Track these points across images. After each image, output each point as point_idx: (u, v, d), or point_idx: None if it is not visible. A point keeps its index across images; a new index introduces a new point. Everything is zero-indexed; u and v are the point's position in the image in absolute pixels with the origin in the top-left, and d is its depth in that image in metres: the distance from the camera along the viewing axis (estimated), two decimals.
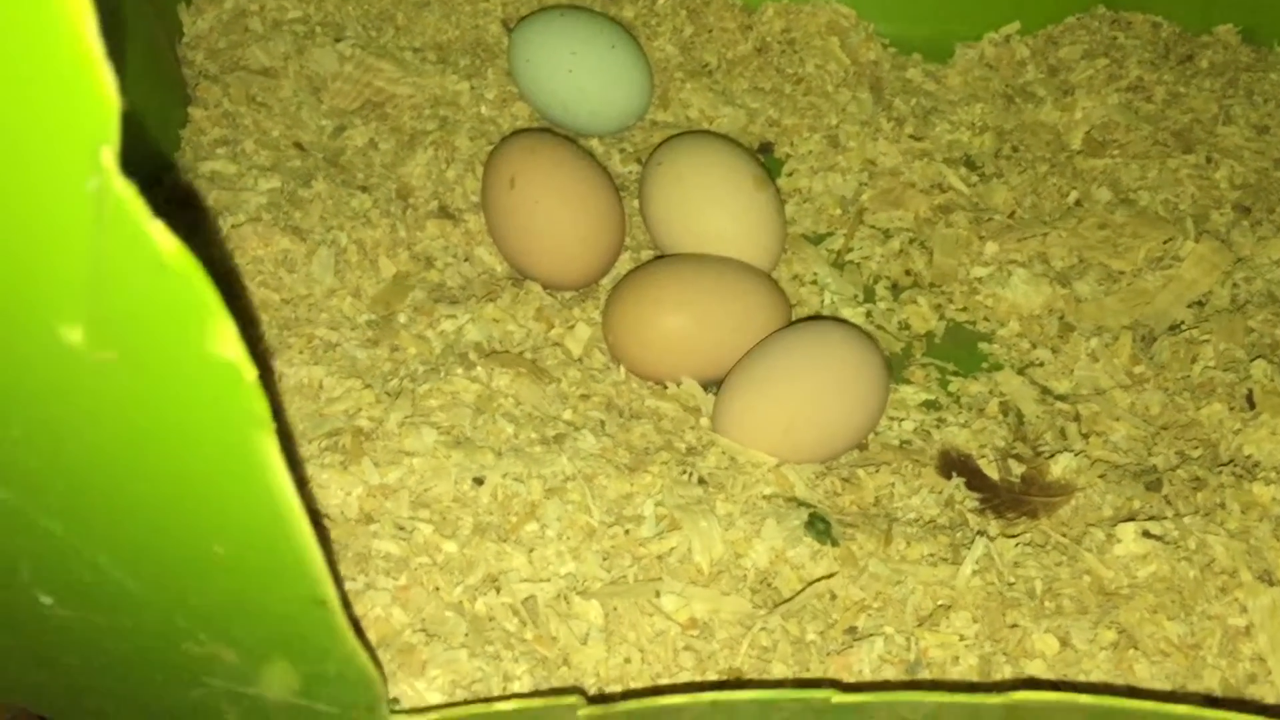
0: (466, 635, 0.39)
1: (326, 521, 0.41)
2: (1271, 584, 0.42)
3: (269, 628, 0.30)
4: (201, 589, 0.28)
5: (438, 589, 0.40)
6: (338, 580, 0.32)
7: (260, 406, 0.22)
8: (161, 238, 0.19)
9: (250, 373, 0.21)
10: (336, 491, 0.42)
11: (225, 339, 0.21)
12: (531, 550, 0.42)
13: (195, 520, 0.26)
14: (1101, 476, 0.48)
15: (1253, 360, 0.51)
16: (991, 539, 0.45)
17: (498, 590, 0.41)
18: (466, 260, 0.55)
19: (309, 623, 0.28)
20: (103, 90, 0.18)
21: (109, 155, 0.18)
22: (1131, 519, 0.45)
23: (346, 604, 0.29)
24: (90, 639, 0.33)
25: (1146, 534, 0.44)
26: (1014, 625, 0.42)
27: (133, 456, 0.24)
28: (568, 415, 0.48)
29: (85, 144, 0.18)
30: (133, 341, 0.21)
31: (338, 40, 0.62)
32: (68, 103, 0.18)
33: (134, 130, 0.51)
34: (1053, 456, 0.49)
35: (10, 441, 0.25)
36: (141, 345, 0.21)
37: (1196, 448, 0.49)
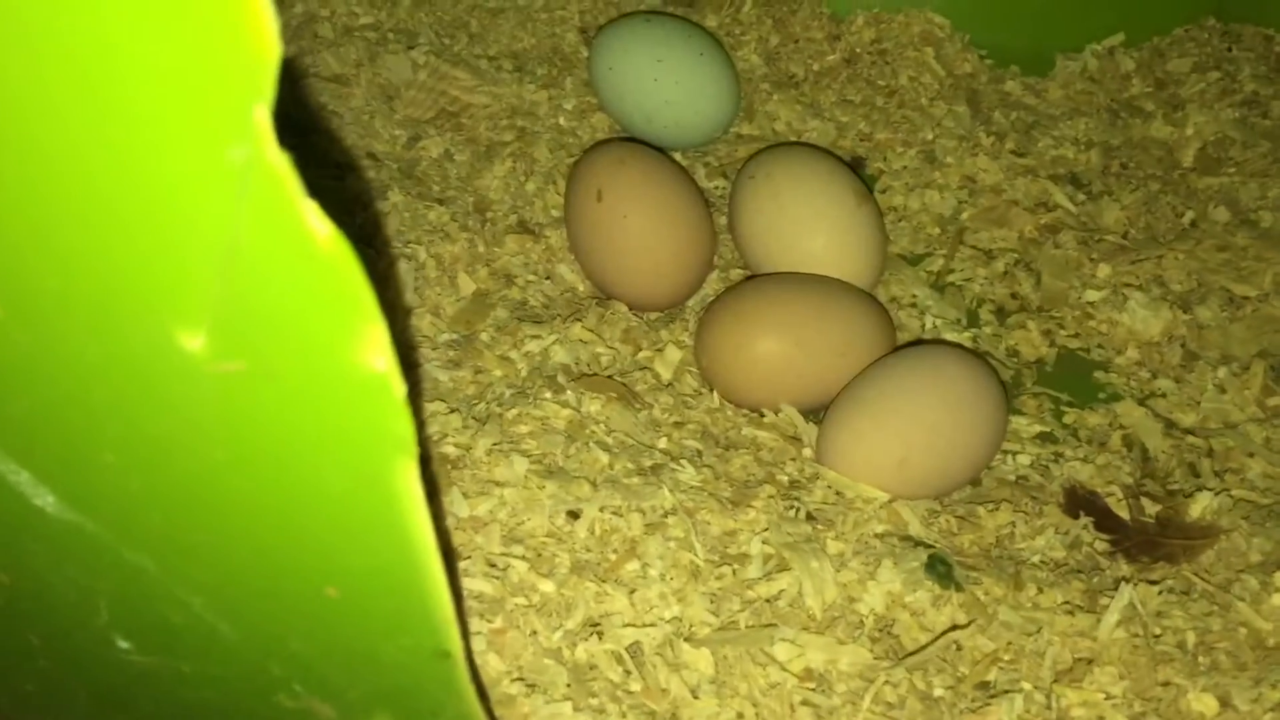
0: (569, 686, 0.35)
1: None
2: None
3: (377, 680, 0.26)
4: (307, 635, 0.25)
5: (535, 633, 0.37)
6: (464, 628, 0.28)
7: (406, 429, 0.19)
8: (317, 224, 0.16)
9: (400, 388, 0.18)
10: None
11: (377, 347, 0.17)
12: (633, 591, 0.39)
13: (311, 558, 0.23)
14: (1245, 518, 0.44)
15: None
16: (1134, 585, 0.41)
17: (600, 635, 0.37)
18: (548, 278, 0.52)
19: (426, 676, 0.25)
20: (262, 33, 0.14)
21: (263, 115, 0.15)
22: None
23: (469, 655, 0.26)
24: (168, 688, 0.29)
25: None
26: (1166, 683, 0.38)
27: (249, 483, 0.21)
28: (663, 444, 0.45)
29: (234, 100, 0.15)
30: (265, 349, 0.18)
31: (410, 48, 0.59)
32: (214, 46, 0.15)
33: None
34: (1189, 495, 0.45)
35: (102, 466, 0.22)
36: (275, 354, 0.18)
37: None
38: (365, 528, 0.21)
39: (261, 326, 0.18)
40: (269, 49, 0.14)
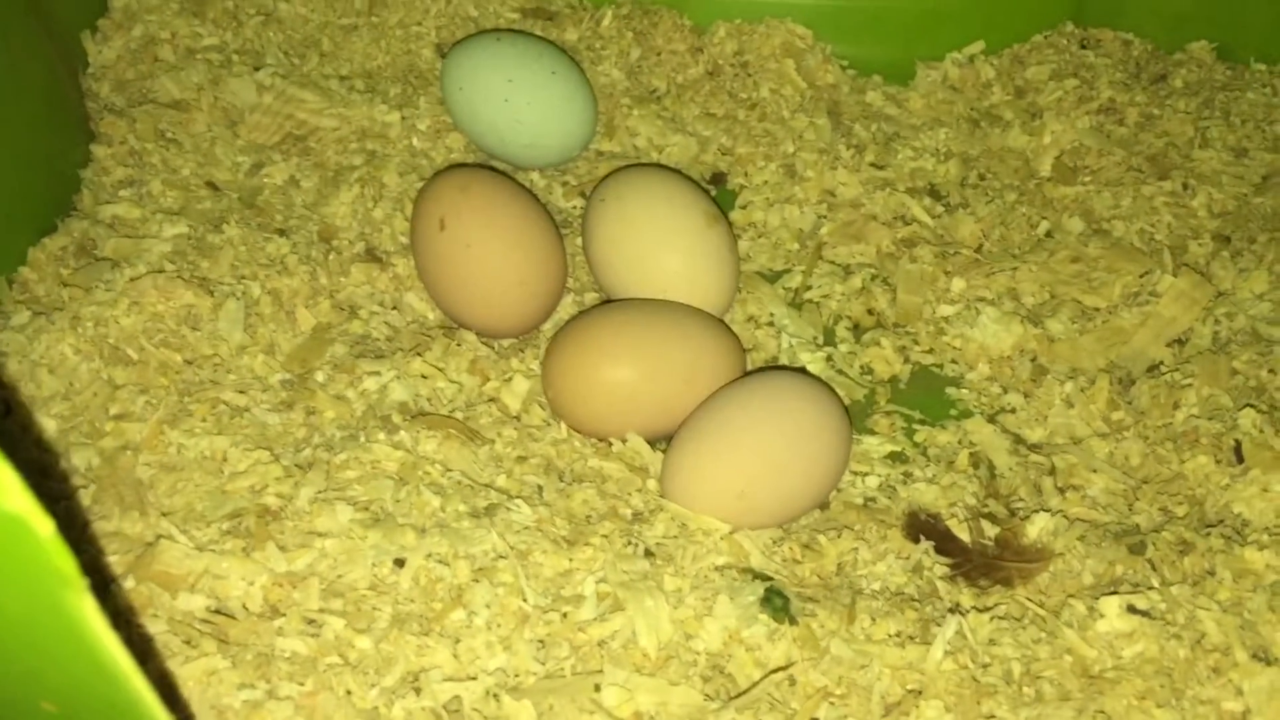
0: None
1: (221, 618, 0.37)
2: (1269, 663, 0.39)
3: None
4: None
5: (349, 693, 0.36)
6: None
7: (65, 563, 0.18)
8: None
9: (45, 526, 0.17)
10: (238, 582, 0.38)
11: (9, 491, 0.17)
12: (457, 642, 0.38)
13: (20, 677, 0.22)
14: (1081, 538, 0.44)
15: (1240, 408, 0.47)
16: (964, 614, 0.41)
17: (418, 692, 0.36)
18: (395, 308, 0.51)
19: None
20: None
21: None
22: (1114, 589, 0.42)
23: None
24: None
25: (1132, 609, 0.40)
26: (990, 716, 0.38)
27: None
28: (501, 481, 0.44)
29: None
30: None
31: (257, 69, 0.57)
32: None
33: (29, 172, 0.47)
34: (1028, 516, 0.45)
35: None
36: None
37: (1181, 504, 0.46)
38: (58, 650, 0.20)
39: None
40: None
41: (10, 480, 0.16)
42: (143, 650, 0.21)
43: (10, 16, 0.48)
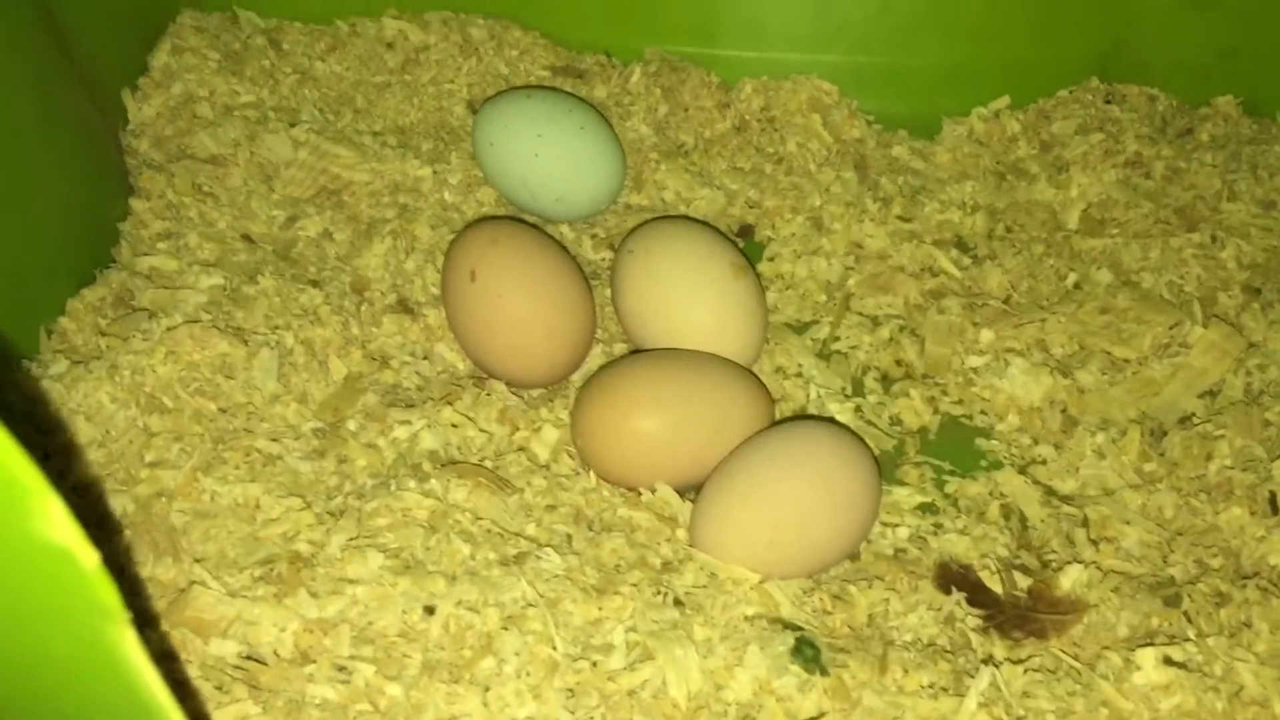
0: None
1: (253, 664, 0.37)
2: None
3: None
4: None
5: None
6: None
7: (108, 596, 0.18)
8: None
9: (90, 558, 0.17)
10: (269, 628, 0.38)
11: (55, 522, 0.17)
12: (487, 690, 0.38)
13: (54, 712, 0.22)
14: (1115, 590, 0.44)
15: (1274, 459, 0.47)
16: (997, 665, 0.41)
17: None
18: (425, 358, 0.51)
19: None
20: None
21: None
22: (1150, 640, 0.41)
23: None
24: None
25: (1168, 660, 0.39)
26: None
27: None
28: (531, 530, 0.44)
29: None
30: None
31: (292, 125, 0.59)
32: None
33: (69, 225, 0.48)
34: (1061, 568, 0.45)
35: None
36: None
37: (1216, 555, 0.45)
38: (98, 687, 0.20)
39: None
40: None
41: (58, 512, 0.17)
42: (179, 694, 0.21)
43: (52, 77, 0.50)
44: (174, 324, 0.47)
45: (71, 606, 0.18)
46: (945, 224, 0.60)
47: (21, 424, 0.40)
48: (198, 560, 0.39)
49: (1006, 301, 0.56)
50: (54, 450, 0.42)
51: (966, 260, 0.58)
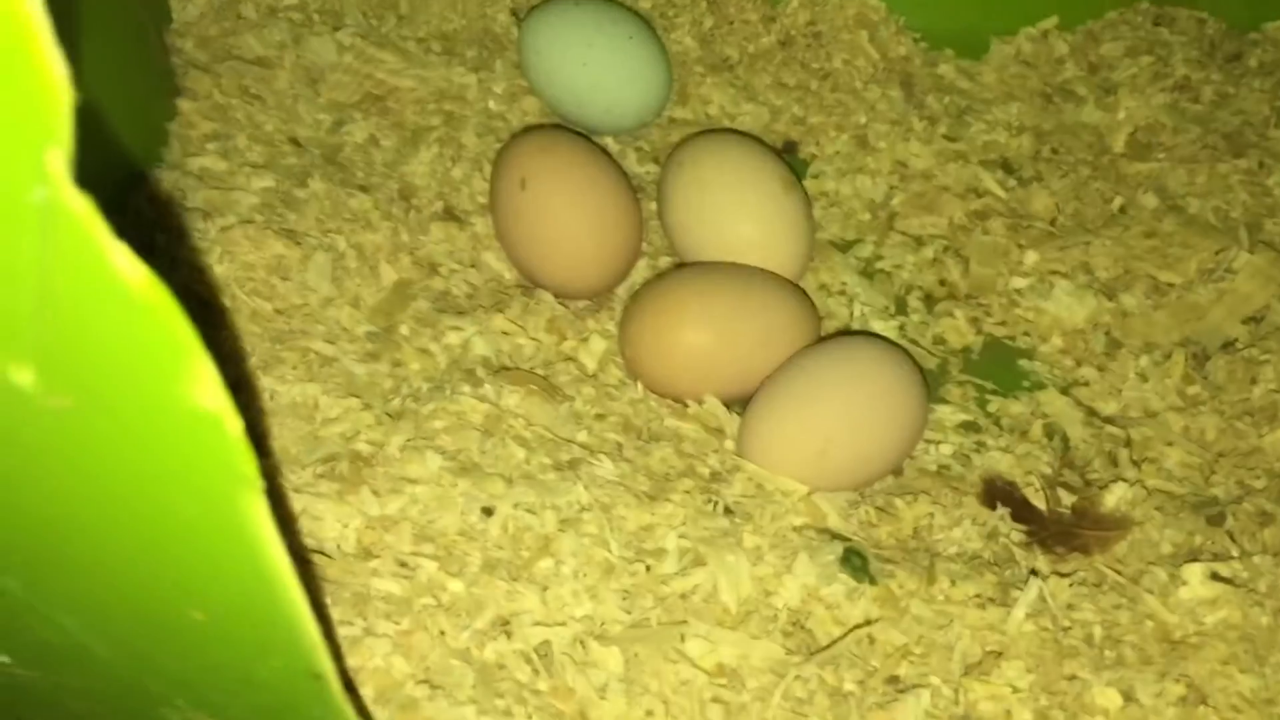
0: (474, 687, 0.35)
1: (321, 558, 0.37)
2: None
3: (255, 697, 0.26)
4: (179, 655, 0.25)
5: (443, 633, 0.36)
6: (333, 641, 0.28)
7: (247, 464, 0.18)
8: (127, 266, 0.15)
9: (235, 425, 0.18)
10: (333, 523, 0.38)
11: (206, 386, 0.17)
12: (545, 589, 0.38)
13: (171, 584, 0.22)
14: (1159, 509, 0.44)
15: None
16: (1044, 578, 0.41)
17: (509, 635, 0.37)
18: (473, 266, 0.51)
19: (301, 695, 0.25)
20: (50, 79, 0.14)
21: (58, 160, 0.14)
22: (1194, 557, 0.42)
23: (342, 666, 0.25)
24: (56, 699, 0.29)
25: (1215, 576, 0.40)
26: (1072, 677, 0.38)
27: (98, 512, 0.21)
28: (582, 437, 0.44)
29: (27, 145, 0.14)
30: (92, 387, 0.18)
31: (336, 29, 0.58)
32: (5, 94, 0.14)
33: (116, 123, 0.47)
34: (1105, 486, 0.45)
35: None
36: (103, 391, 0.18)
37: (1259, 478, 0.46)
38: (220, 556, 0.21)
39: (86, 364, 0.17)
40: (58, 95, 0.14)
41: (211, 377, 0.17)
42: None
43: None
44: (228, 224, 0.46)
45: (210, 471, 0.19)
46: (991, 144, 0.59)
47: None
48: (262, 457, 0.40)
49: (1052, 224, 0.56)
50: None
51: (1012, 182, 0.58)
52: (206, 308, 0.44)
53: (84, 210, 0.15)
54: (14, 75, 0.14)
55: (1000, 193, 0.57)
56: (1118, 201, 0.57)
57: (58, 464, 0.20)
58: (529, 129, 0.54)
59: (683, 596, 0.40)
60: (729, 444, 0.46)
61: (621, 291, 0.52)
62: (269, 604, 0.21)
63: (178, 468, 0.19)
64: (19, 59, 0.14)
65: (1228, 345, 0.51)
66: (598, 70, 0.55)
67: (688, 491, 0.43)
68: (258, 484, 0.19)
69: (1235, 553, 0.42)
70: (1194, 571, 0.40)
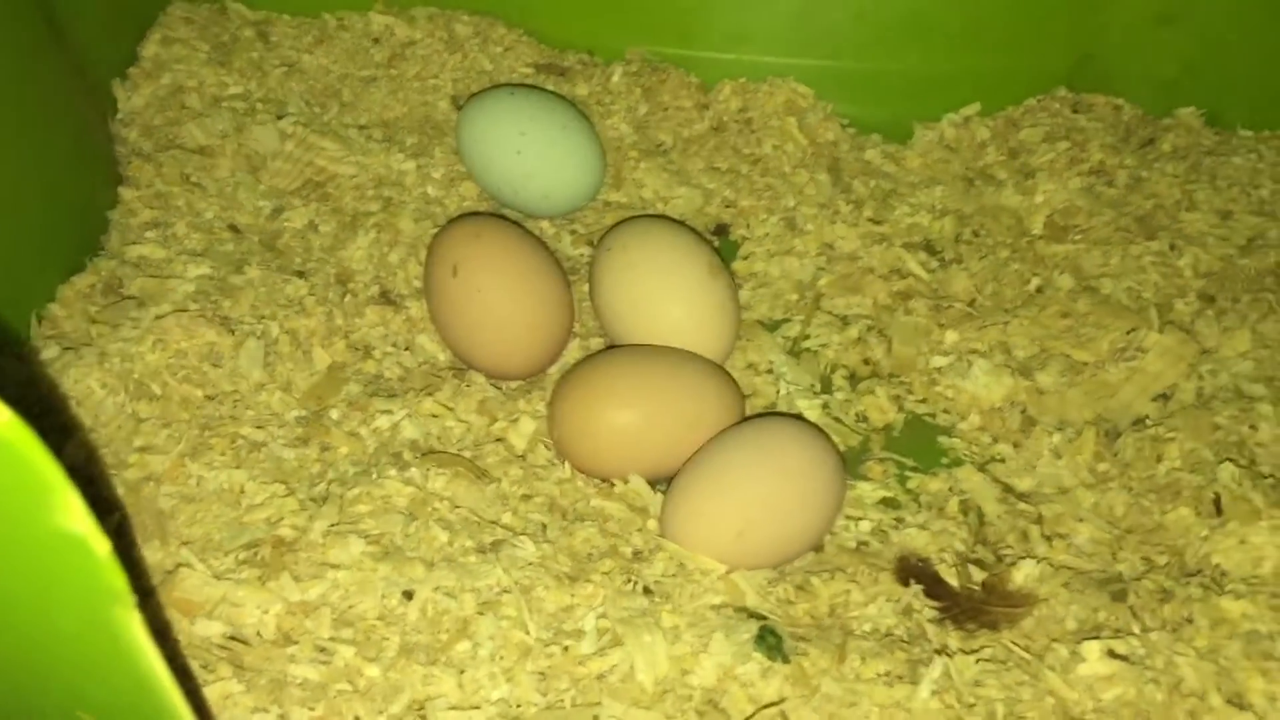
0: None
1: (238, 644, 0.38)
2: (1242, 708, 0.40)
3: None
4: None
5: (358, 719, 0.37)
6: None
7: (117, 581, 0.20)
8: None
9: (103, 546, 0.19)
10: (253, 610, 0.39)
11: (72, 513, 0.18)
12: (462, 672, 0.39)
13: (61, 688, 0.23)
14: (1065, 585, 0.46)
15: (1220, 462, 0.49)
16: (950, 656, 0.43)
17: (423, 719, 0.38)
18: (407, 349, 0.53)
19: None
20: None
21: None
22: (1097, 634, 0.43)
23: None
24: None
25: (1112, 653, 0.41)
26: None
27: None
28: (507, 519, 0.46)
29: None
30: None
31: (279, 117, 0.60)
32: None
33: (59, 213, 0.49)
34: (1015, 563, 0.47)
35: None
36: None
37: (1163, 554, 0.47)
38: (101, 664, 0.22)
39: None
40: None
41: (76, 505, 0.18)
42: (174, 672, 0.23)
43: (45, 64, 0.51)
44: (163, 312, 0.48)
45: (82, 588, 0.20)
46: (915, 227, 0.62)
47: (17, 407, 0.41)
48: (184, 543, 0.41)
49: (971, 304, 0.58)
50: (47, 432, 0.43)
51: (934, 263, 0.60)
52: (138, 396, 0.45)
53: None
54: None
55: (923, 274, 0.59)
56: (1035, 282, 0.59)
57: None
58: (461, 216, 0.55)
59: (599, 677, 0.41)
60: (652, 523, 0.48)
61: (554, 371, 0.54)
62: (150, 707, 0.22)
63: (53, 585, 0.20)
64: None
65: (1138, 423, 0.53)
66: (532, 158, 0.57)
67: (608, 572, 0.44)
68: (129, 600, 0.20)
69: (1136, 628, 0.43)
70: (1092, 649, 0.42)
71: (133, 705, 0.23)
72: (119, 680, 0.22)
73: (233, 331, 0.49)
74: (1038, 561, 0.47)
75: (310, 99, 0.62)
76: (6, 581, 0.20)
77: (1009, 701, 0.41)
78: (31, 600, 0.20)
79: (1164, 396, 0.54)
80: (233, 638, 0.39)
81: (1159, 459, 0.51)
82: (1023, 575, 0.46)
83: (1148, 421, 0.53)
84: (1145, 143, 0.66)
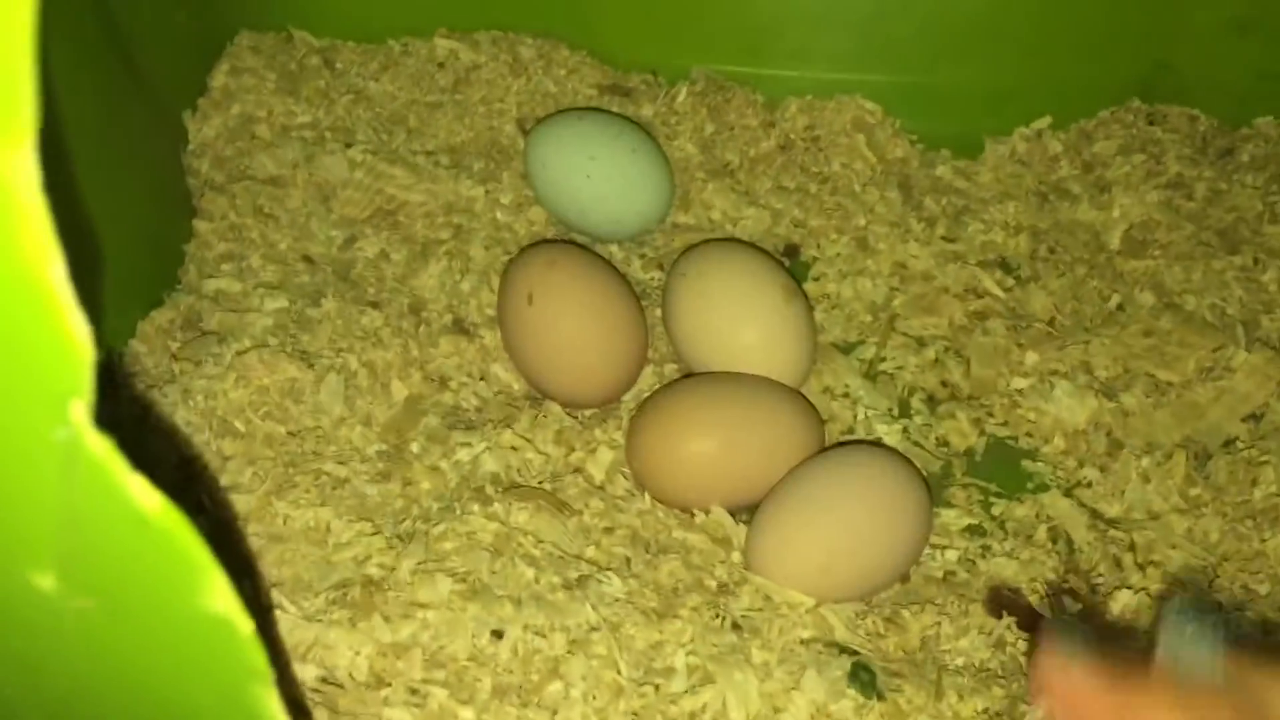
0: None
1: (333, 688, 0.38)
2: None
3: None
4: None
5: None
6: None
7: (258, 659, 0.19)
8: (143, 494, 0.17)
9: (246, 626, 0.19)
10: (345, 651, 0.39)
11: (218, 593, 0.18)
12: (555, 713, 0.39)
13: None
14: None
15: None
16: None
17: None
18: (482, 379, 0.52)
19: None
20: (73, 340, 0.15)
21: (80, 410, 0.15)
22: None
23: None
24: None
25: None
26: None
27: (118, 699, 0.22)
28: (591, 553, 0.45)
29: (52, 394, 0.16)
30: (113, 592, 0.19)
31: (348, 146, 0.60)
32: (34, 350, 0.15)
33: (139, 246, 0.49)
34: (1110, 593, 0.46)
35: None
36: (123, 596, 0.19)
37: (1263, 582, 0.46)
38: None
39: (106, 574, 0.18)
40: (80, 354, 0.15)
41: (223, 587, 0.18)
42: None
43: (120, 95, 0.51)
44: (244, 348, 0.48)
45: (224, 666, 0.19)
46: (989, 244, 0.60)
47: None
48: (274, 585, 0.41)
49: (1050, 323, 0.57)
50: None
51: (1010, 281, 0.59)
52: (222, 433, 0.45)
53: (104, 449, 0.16)
54: (40, 336, 0.15)
55: (999, 293, 0.58)
56: (1115, 299, 0.58)
57: (79, 655, 0.21)
58: (535, 244, 0.55)
59: (691, 716, 0.40)
60: (736, 555, 0.47)
61: (629, 399, 0.53)
62: None
63: (195, 663, 0.20)
64: (45, 323, 0.15)
65: (1228, 444, 0.52)
66: (601, 182, 0.57)
67: (695, 607, 0.43)
68: (269, 676, 0.20)
69: None
70: None
71: None
72: None
73: (312, 366, 0.48)
74: (1134, 591, 0.45)
75: (377, 126, 0.62)
76: (151, 657, 0.20)
77: None
78: (173, 675, 0.20)
79: (1254, 417, 0.53)
80: (326, 680, 0.38)
81: (1254, 483, 0.49)
82: (1119, 605, 0.45)
83: (1239, 443, 0.52)
84: (1223, 154, 0.64)
